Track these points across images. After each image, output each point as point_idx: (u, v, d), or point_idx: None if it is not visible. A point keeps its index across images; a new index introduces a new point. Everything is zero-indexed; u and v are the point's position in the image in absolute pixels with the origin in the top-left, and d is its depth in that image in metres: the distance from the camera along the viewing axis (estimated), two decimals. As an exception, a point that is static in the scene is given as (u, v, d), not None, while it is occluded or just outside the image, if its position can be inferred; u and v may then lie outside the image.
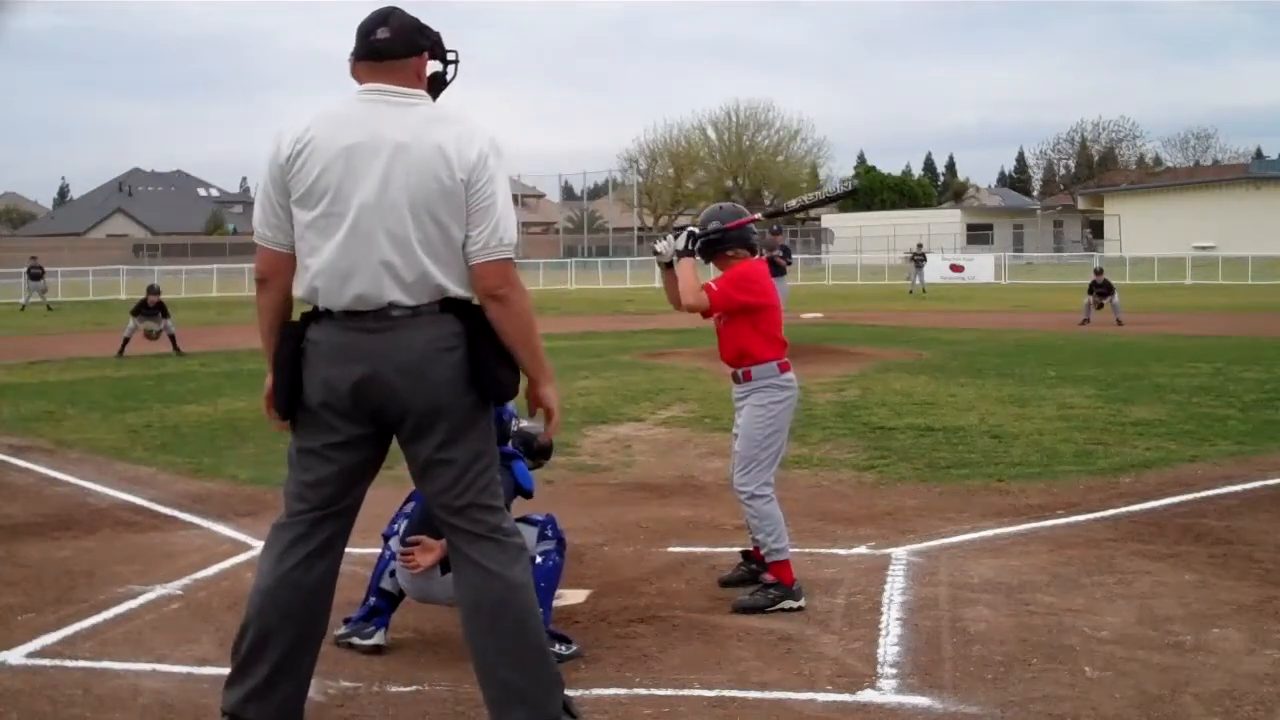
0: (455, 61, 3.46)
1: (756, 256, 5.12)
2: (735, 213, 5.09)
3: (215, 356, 17.20)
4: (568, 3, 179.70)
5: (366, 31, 3.32)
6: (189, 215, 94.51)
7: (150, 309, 18.22)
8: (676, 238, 4.89)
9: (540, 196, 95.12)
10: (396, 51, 3.30)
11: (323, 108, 3.33)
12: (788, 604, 4.77)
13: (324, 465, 3.32)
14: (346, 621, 4.40)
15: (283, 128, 3.27)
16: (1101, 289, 23.13)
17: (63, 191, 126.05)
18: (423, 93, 3.35)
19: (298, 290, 3.32)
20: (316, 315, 3.30)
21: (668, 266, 4.94)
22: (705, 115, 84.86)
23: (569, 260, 58.89)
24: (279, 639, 3.30)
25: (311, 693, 3.88)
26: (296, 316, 3.38)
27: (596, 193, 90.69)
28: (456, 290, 3.27)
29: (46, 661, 4.27)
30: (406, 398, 3.23)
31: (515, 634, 3.29)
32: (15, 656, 4.30)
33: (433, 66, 3.42)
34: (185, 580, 5.31)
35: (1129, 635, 4.38)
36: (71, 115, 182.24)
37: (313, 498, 3.33)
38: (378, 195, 3.19)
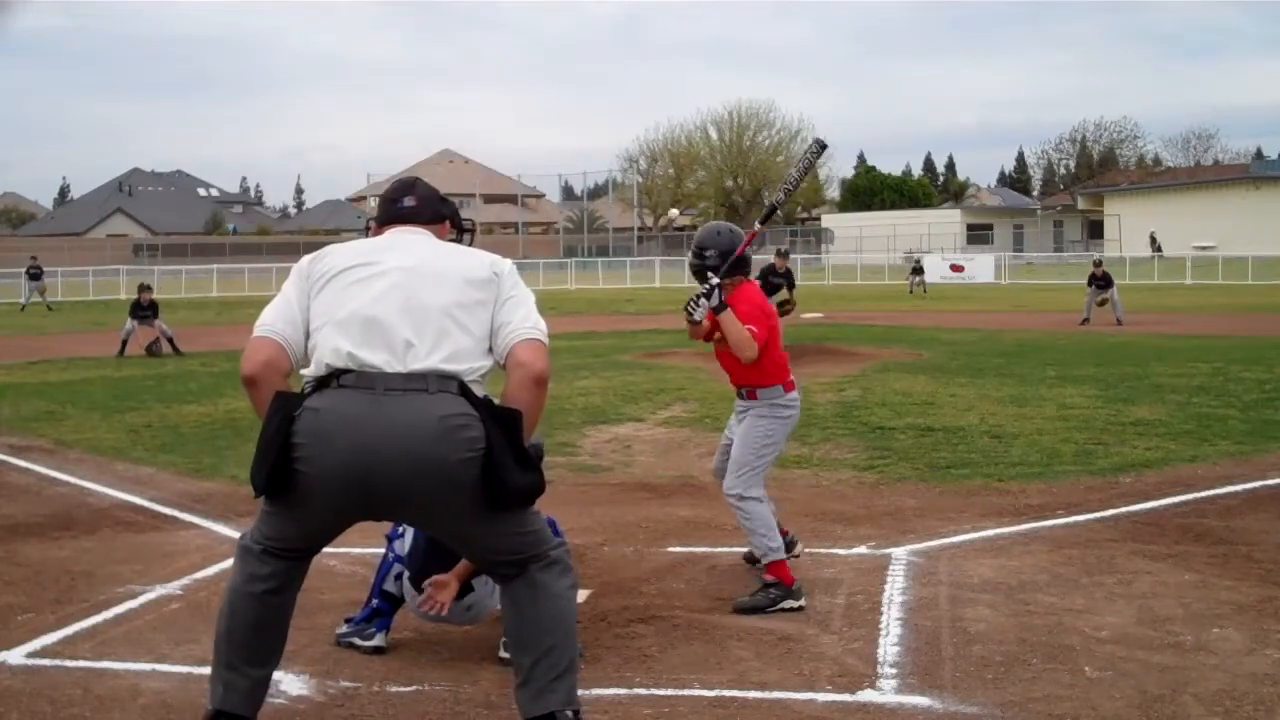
0: (471, 230, 3.69)
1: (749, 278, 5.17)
2: (732, 237, 5.04)
3: (215, 356, 17.19)
4: (568, 3, 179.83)
5: (393, 200, 3.52)
6: (189, 215, 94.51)
7: (144, 307, 18.26)
8: (707, 298, 4.83)
9: (540, 196, 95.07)
10: (423, 217, 3.50)
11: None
12: (788, 604, 4.76)
13: (298, 529, 3.21)
14: (348, 621, 4.41)
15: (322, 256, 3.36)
16: (1101, 281, 23.06)
17: (63, 191, 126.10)
18: (433, 234, 3.51)
19: (311, 370, 3.19)
20: (322, 384, 3.14)
21: (696, 323, 4.94)
22: (707, 115, 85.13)
23: (569, 260, 58.89)
24: (242, 632, 3.29)
25: (311, 693, 3.91)
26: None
27: (596, 193, 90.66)
28: (470, 368, 3.17)
29: (46, 661, 4.27)
30: (408, 474, 3.02)
31: (564, 636, 3.26)
32: (15, 656, 4.30)
33: (450, 234, 3.61)
34: (185, 580, 5.31)
35: (1129, 635, 4.38)
36: (71, 115, 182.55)
37: (276, 547, 3.26)
38: (416, 264, 3.27)
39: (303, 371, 3.22)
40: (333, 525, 3.26)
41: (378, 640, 4.30)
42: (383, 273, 3.24)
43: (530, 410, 3.19)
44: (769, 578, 4.84)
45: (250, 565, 3.29)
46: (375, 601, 4.39)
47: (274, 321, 3.25)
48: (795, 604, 4.77)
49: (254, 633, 3.29)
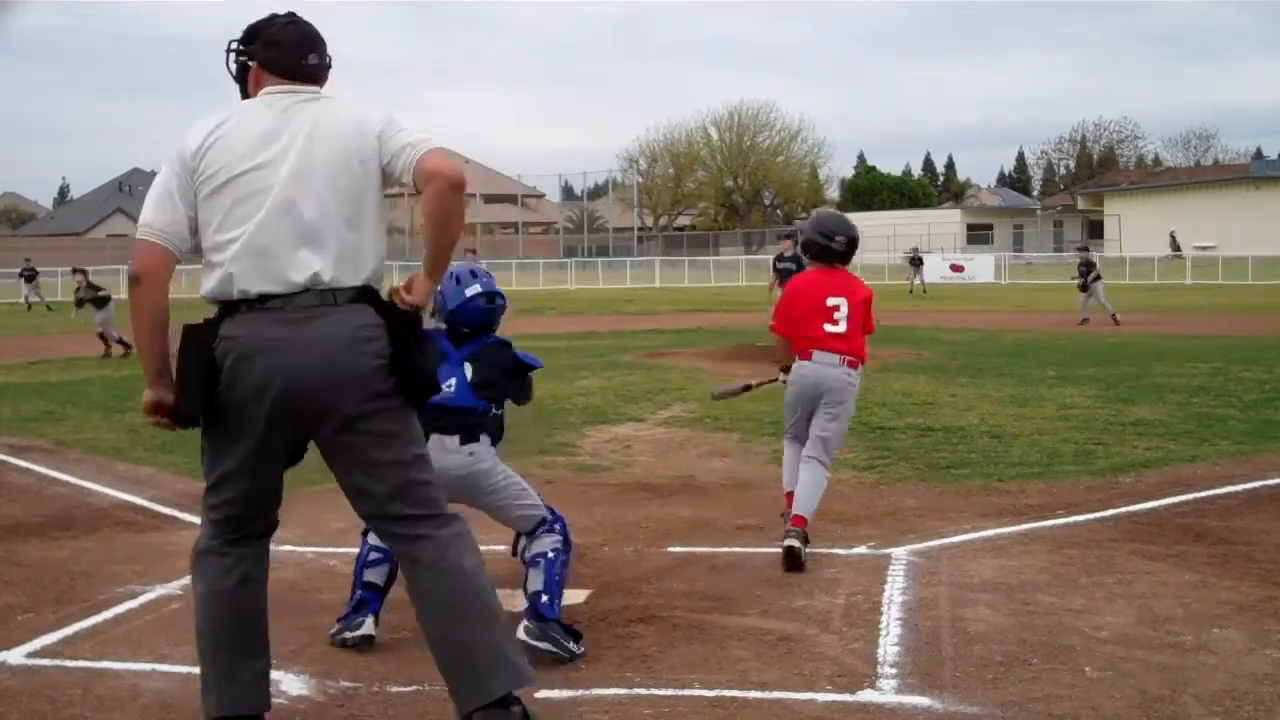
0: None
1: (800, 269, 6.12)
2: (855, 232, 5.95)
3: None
4: (568, 3, 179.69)
5: (295, 50, 3.37)
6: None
7: (90, 290, 18.17)
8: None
9: (540, 196, 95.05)
10: (319, 78, 3.42)
11: (233, 106, 3.38)
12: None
13: (242, 477, 3.28)
14: (339, 620, 4.41)
15: (192, 123, 3.31)
16: (1084, 268, 22.98)
17: (63, 191, 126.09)
18: (317, 89, 3.41)
19: (205, 287, 3.25)
20: (230, 310, 3.21)
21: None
22: (707, 115, 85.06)
23: (569, 260, 58.96)
24: (227, 631, 3.32)
25: (311, 693, 3.91)
26: (197, 318, 3.29)
27: (596, 193, 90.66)
28: (368, 269, 3.26)
29: (46, 661, 4.27)
30: (331, 395, 3.16)
31: (481, 618, 3.30)
32: (15, 656, 4.30)
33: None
34: (185, 580, 5.26)
35: (1129, 635, 4.38)
36: (71, 115, 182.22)
37: (235, 514, 3.32)
38: (293, 170, 3.21)
39: (204, 292, 3.25)
40: (270, 451, 3.26)
41: (366, 628, 4.32)
42: (267, 187, 3.19)
43: (452, 218, 3.23)
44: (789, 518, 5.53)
45: (211, 564, 3.34)
46: (359, 593, 4.40)
47: (154, 221, 3.24)
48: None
49: (239, 627, 3.32)
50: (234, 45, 3.44)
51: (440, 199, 3.20)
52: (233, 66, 3.45)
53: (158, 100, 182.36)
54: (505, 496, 4.41)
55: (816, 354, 5.71)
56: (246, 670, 3.33)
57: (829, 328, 5.70)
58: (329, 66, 3.45)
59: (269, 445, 3.25)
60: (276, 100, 3.32)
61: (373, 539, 4.35)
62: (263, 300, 3.18)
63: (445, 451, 4.25)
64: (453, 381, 4.29)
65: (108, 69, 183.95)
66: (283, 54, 3.36)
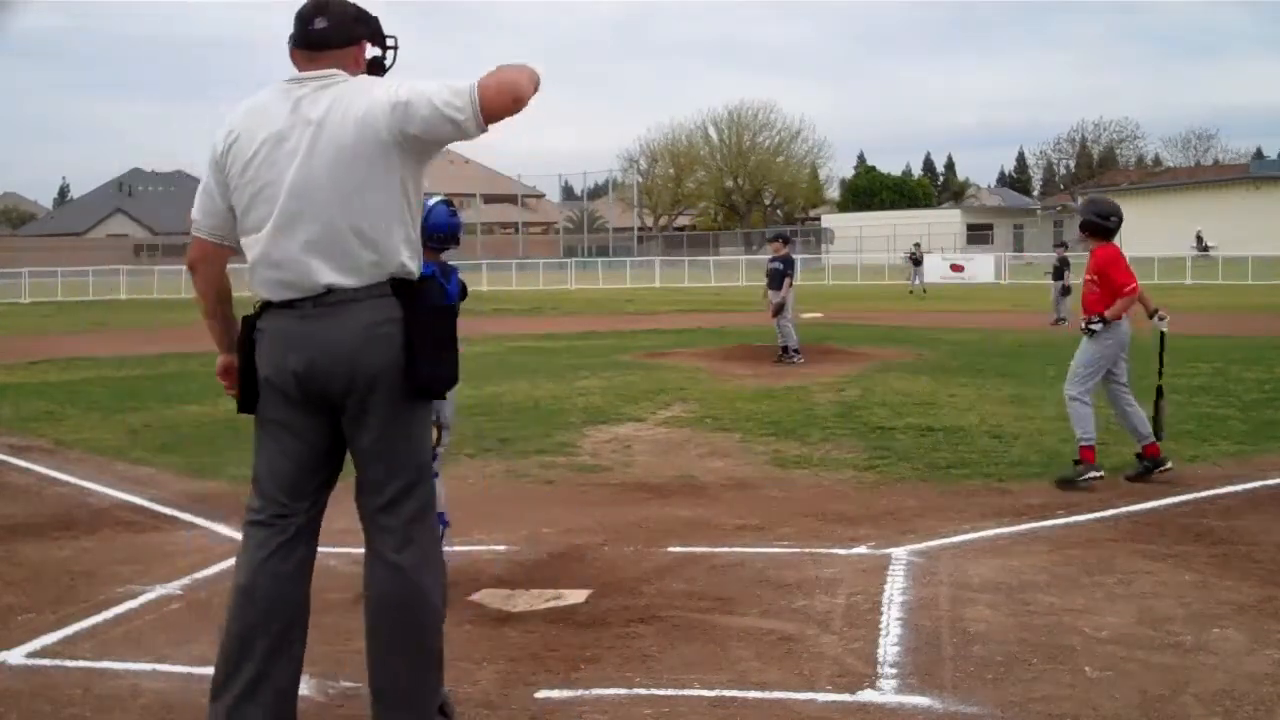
0: (395, 48, 3.49)
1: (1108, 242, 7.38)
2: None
3: (215, 356, 17.16)
4: (568, 3, 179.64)
5: (305, 20, 3.35)
6: (189, 215, 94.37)
7: None
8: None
9: (540, 196, 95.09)
10: (333, 41, 3.33)
11: (250, 100, 3.36)
12: (1091, 474, 6.96)
13: (281, 456, 3.37)
14: None
15: (224, 117, 3.35)
16: (1058, 265, 22.97)
17: (63, 191, 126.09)
18: (337, 71, 3.32)
19: (248, 288, 3.37)
20: (266, 306, 3.34)
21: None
22: (708, 115, 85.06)
23: (569, 260, 58.93)
24: (261, 636, 3.28)
25: (311, 693, 3.90)
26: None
27: (596, 193, 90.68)
28: (393, 264, 3.26)
29: (46, 661, 4.27)
30: (343, 382, 3.25)
31: (416, 637, 3.32)
32: (15, 656, 4.30)
33: (373, 52, 3.45)
34: (185, 580, 5.31)
35: (1129, 635, 4.38)
36: (71, 115, 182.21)
37: (276, 490, 3.36)
38: (298, 179, 3.21)
39: (249, 290, 3.39)
40: (309, 430, 3.33)
41: None
42: (274, 197, 3.22)
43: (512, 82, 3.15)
44: (1080, 459, 7.01)
45: (255, 535, 3.38)
46: None
47: (198, 219, 3.40)
48: (1097, 474, 6.97)
49: (270, 613, 3.31)
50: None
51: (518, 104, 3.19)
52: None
53: (158, 100, 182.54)
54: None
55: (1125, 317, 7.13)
56: (271, 685, 3.34)
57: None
58: (358, 33, 3.37)
59: (298, 430, 3.34)
60: (287, 93, 3.29)
61: None
62: (286, 301, 3.29)
63: None
64: None
65: (108, 69, 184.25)
66: (296, 25, 3.38)
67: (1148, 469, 7.14)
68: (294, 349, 3.26)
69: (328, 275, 3.22)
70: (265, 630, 3.29)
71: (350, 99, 3.23)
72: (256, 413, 3.41)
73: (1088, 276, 7.32)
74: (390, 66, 3.47)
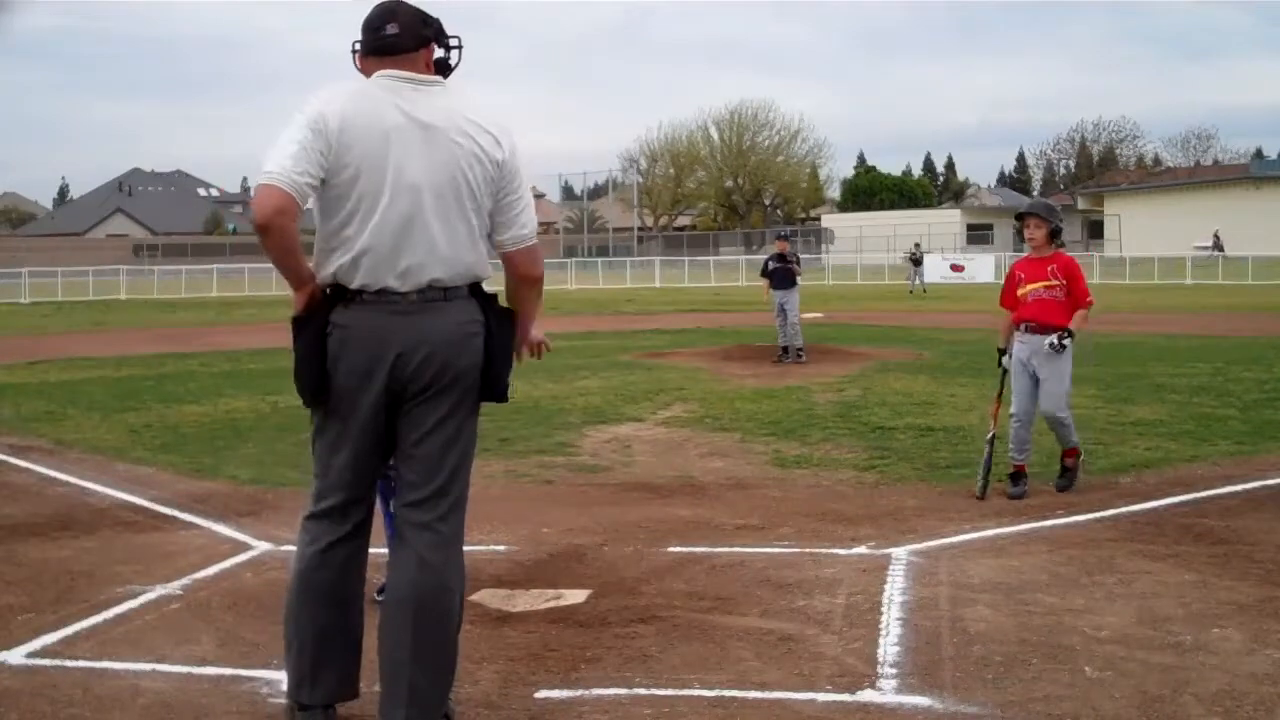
0: (459, 47, 3.55)
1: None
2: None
3: (215, 356, 17.19)
4: (568, 3, 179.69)
5: (375, 27, 3.41)
6: (189, 215, 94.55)
7: None
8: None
9: (540, 196, 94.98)
10: (406, 46, 3.40)
11: (349, 87, 3.37)
12: (1081, 458, 7.15)
13: (350, 449, 3.41)
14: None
15: (322, 99, 3.28)
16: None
17: (63, 191, 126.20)
18: (440, 79, 3.45)
19: (324, 270, 3.34)
20: (343, 298, 3.33)
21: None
22: (707, 115, 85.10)
23: (569, 260, 58.93)
24: (318, 620, 3.44)
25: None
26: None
27: (596, 193, 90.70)
28: (481, 273, 3.43)
29: (46, 661, 4.27)
30: (433, 374, 3.32)
31: (441, 636, 3.37)
32: (15, 656, 4.30)
33: (438, 53, 3.50)
34: (185, 580, 5.30)
35: (1129, 635, 4.38)
36: (71, 115, 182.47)
37: (341, 483, 3.43)
38: (419, 176, 3.29)
39: (321, 277, 3.35)
40: (376, 424, 3.38)
41: None
42: (391, 192, 3.27)
43: (532, 302, 3.64)
44: (1069, 461, 7.09)
45: (313, 528, 3.47)
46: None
47: (288, 171, 3.18)
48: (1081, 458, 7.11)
49: (327, 603, 3.44)
50: (355, 45, 3.49)
51: (530, 300, 3.61)
52: (357, 63, 3.49)
53: (158, 100, 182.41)
54: None
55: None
56: (332, 666, 3.50)
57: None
58: (426, 36, 3.42)
59: (365, 422, 3.37)
60: (396, 89, 3.34)
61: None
62: (381, 294, 3.32)
63: None
64: None
65: (108, 69, 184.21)
66: (366, 33, 3.43)
67: (1023, 487, 6.92)
68: (396, 339, 3.29)
69: (436, 271, 3.32)
70: (322, 615, 3.44)
71: (466, 113, 3.37)
72: (328, 406, 3.39)
73: (1051, 282, 7.05)
74: (455, 66, 3.54)
